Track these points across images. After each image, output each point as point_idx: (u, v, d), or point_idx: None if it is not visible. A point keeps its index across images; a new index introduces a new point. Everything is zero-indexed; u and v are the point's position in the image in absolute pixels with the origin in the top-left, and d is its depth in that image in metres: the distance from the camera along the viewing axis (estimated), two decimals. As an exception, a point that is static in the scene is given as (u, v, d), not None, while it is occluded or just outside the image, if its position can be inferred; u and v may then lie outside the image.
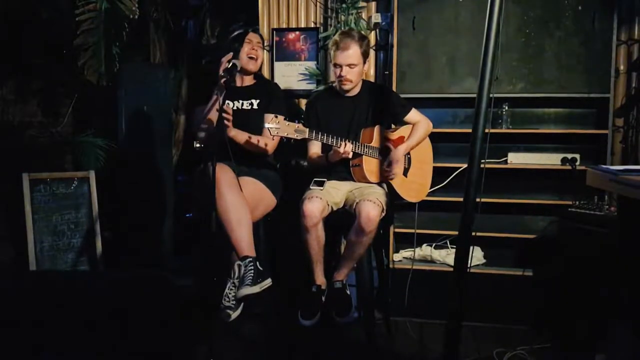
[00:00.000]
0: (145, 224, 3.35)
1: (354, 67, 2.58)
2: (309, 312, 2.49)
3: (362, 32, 2.85)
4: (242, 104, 2.73)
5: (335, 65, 2.61)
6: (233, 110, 2.69)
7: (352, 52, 2.55)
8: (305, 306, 2.51)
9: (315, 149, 2.71)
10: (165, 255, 3.47)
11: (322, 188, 2.54)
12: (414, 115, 2.73)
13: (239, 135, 2.57)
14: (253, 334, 2.73)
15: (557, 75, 2.91)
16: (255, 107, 2.72)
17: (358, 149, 2.51)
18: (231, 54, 2.48)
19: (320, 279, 2.54)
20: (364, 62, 2.62)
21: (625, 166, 2.57)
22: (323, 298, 2.53)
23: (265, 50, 3.31)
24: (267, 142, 2.62)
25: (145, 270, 3.15)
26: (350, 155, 2.49)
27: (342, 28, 3.09)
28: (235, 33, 2.73)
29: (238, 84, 2.75)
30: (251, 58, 2.71)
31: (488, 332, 2.79)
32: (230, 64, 2.40)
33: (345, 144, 2.44)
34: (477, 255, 3.01)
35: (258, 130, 2.67)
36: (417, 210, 2.82)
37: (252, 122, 2.65)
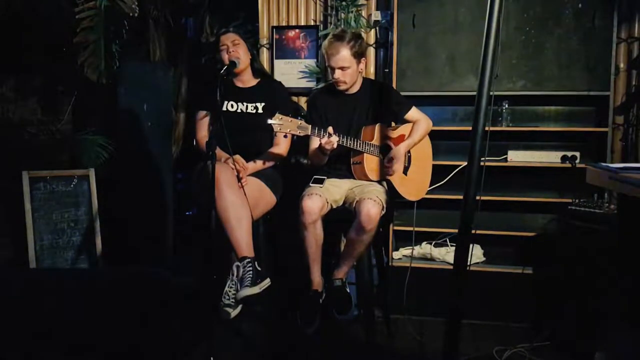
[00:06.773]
0: (145, 221, 3.35)
1: (346, 69, 2.56)
2: (307, 318, 2.49)
3: (355, 32, 2.74)
4: (247, 107, 2.71)
5: (329, 67, 2.61)
6: (237, 112, 2.68)
7: (343, 56, 2.54)
8: (303, 312, 2.51)
9: (316, 145, 2.71)
10: (165, 253, 3.47)
11: (321, 185, 2.53)
12: (414, 113, 2.73)
13: (255, 166, 2.58)
14: (253, 334, 2.72)
15: (557, 73, 2.91)
16: (260, 110, 2.69)
17: (345, 143, 2.47)
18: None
19: (316, 281, 2.53)
20: (358, 62, 2.60)
21: (625, 164, 2.58)
22: (321, 300, 2.53)
23: (264, 48, 3.31)
24: (279, 150, 2.67)
25: (144, 268, 3.15)
26: (335, 146, 2.44)
27: (342, 26, 3.08)
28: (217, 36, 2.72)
29: (239, 84, 2.74)
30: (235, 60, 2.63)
31: (488, 330, 2.80)
32: (229, 63, 2.46)
33: (329, 134, 2.40)
34: (476, 253, 3.01)
35: (263, 135, 2.66)
36: (416, 208, 2.82)
37: (257, 126, 2.61)
